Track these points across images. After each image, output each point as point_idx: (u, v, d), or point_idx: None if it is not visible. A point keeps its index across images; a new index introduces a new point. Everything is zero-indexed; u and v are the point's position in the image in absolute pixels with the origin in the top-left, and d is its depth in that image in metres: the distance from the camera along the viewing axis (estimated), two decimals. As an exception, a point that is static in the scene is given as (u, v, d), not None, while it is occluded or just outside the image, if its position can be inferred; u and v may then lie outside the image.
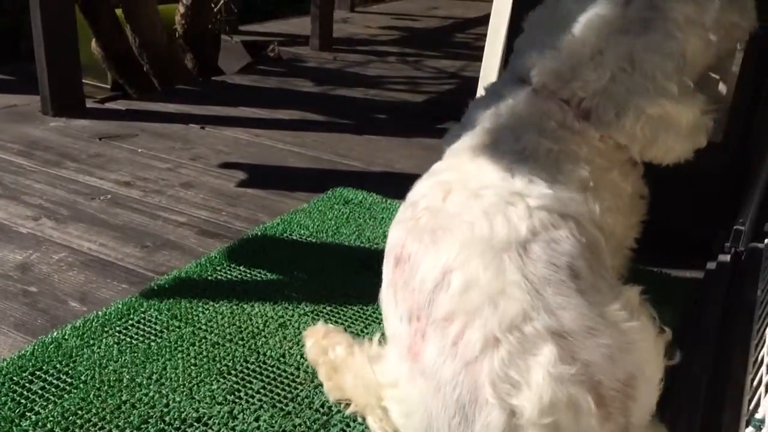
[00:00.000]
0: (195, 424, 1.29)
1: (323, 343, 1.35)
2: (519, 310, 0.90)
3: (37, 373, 1.39)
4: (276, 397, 1.37)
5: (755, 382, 1.13)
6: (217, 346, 1.50)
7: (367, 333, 1.56)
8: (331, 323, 1.58)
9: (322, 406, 1.34)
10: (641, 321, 0.95)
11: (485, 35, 2.62)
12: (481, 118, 1.22)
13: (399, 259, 1.05)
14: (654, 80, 1.13)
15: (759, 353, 1.20)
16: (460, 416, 0.89)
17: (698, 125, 1.19)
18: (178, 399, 1.34)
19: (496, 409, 0.86)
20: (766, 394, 1.01)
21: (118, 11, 3.68)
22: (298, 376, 1.42)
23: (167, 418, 1.29)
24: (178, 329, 1.55)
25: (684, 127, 1.17)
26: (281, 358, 1.47)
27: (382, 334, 1.14)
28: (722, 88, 1.58)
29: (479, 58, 2.69)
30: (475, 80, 2.70)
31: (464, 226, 0.99)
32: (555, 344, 0.87)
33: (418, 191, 1.12)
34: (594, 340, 0.89)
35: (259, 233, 2.01)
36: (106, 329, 1.53)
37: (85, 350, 1.46)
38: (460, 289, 0.94)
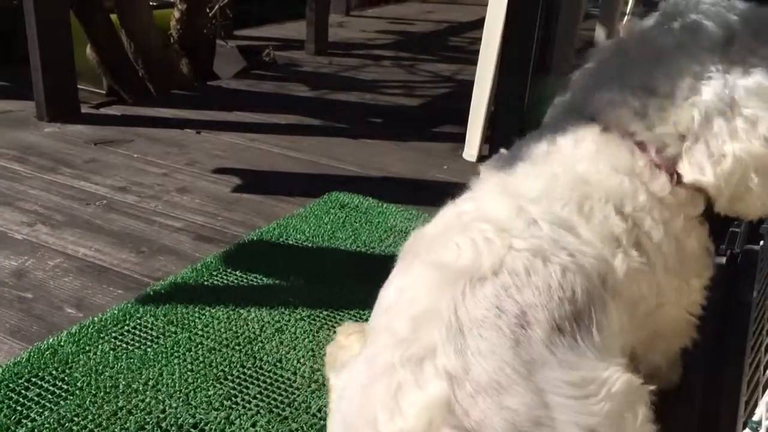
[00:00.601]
0: (192, 430, 1.28)
1: (344, 343, 1.35)
2: (429, 343, 0.84)
3: (33, 379, 1.38)
4: (273, 402, 1.36)
5: (752, 384, 1.13)
6: (213, 352, 1.50)
7: (364, 337, 1.56)
8: (327, 328, 1.58)
9: (319, 410, 1.34)
10: (605, 408, 0.82)
11: (480, 39, 2.63)
12: (528, 150, 1.12)
13: (388, 281, 1.03)
14: (755, 128, 1.02)
15: (755, 355, 1.20)
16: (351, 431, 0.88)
17: None
18: (174, 405, 1.34)
19: None
20: (762, 396, 1.01)
21: (113, 16, 3.68)
22: (294, 381, 1.42)
23: (164, 425, 1.29)
24: (174, 335, 1.55)
25: None
26: (278, 363, 1.47)
27: None
28: None
29: (474, 62, 2.71)
30: (470, 84, 2.71)
31: (437, 252, 0.95)
32: (448, 386, 0.80)
33: (435, 218, 1.07)
34: (498, 398, 0.79)
35: (255, 238, 2.01)
36: (102, 335, 1.53)
37: (81, 356, 1.46)
38: (400, 307, 0.91)
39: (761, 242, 1.68)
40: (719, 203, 1.09)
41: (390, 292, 0.97)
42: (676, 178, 1.06)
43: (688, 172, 1.05)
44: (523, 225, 0.95)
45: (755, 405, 1.03)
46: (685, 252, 1.07)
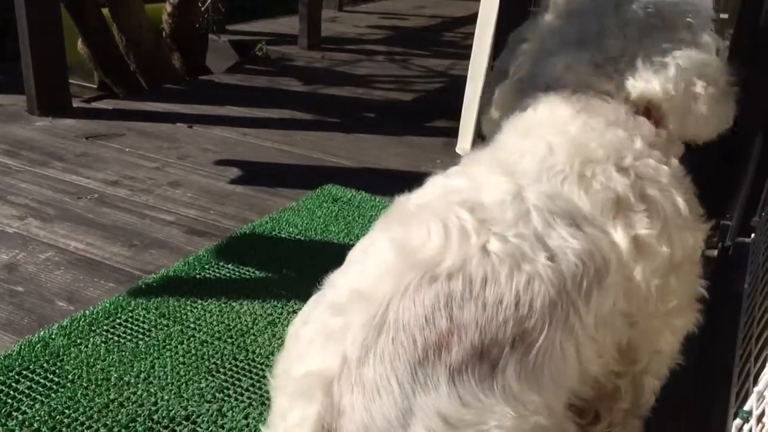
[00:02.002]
0: (184, 422, 1.28)
1: None
2: (349, 322, 0.83)
3: (24, 372, 1.38)
4: (265, 394, 1.36)
5: (743, 375, 1.13)
6: (205, 345, 1.49)
7: (357, 330, 1.56)
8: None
9: (312, 403, 1.34)
10: None
11: (473, 34, 2.63)
12: (510, 128, 1.06)
13: (368, 234, 1.00)
14: (694, 37, 1.02)
15: (746, 346, 1.21)
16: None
17: (730, 92, 1.07)
18: (166, 397, 1.33)
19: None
20: (753, 386, 1.02)
21: (105, 11, 3.66)
22: (287, 374, 1.42)
23: (156, 417, 1.28)
24: (166, 328, 1.54)
25: (722, 90, 1.04)
26: (270, 356, 1.47)
27: None
28: None
29: (467, 57, 2.70)
30: (463, 79, 2.70)
31: (410, 229, 0.89)
32: (338, 368, 0.81)
33: (425, 187, 1.02)
34: (369, 402, 0.79)
35: (248, 231, 2.01)
36: (93, 328, 1.52)
37: (72, 349, 1.45)
38: (354, 270, 0.92)
39: (752, 235, 1.68)
40: (672, 120, 1.05)
41: (357, 250, 0.95)
42: (653, 121, 1.04)
43: (634, 86, 1.03)
44: (512, 217, 0.87)
45: (746, 395, 1.04)
46: (690, 195, 1.03)
